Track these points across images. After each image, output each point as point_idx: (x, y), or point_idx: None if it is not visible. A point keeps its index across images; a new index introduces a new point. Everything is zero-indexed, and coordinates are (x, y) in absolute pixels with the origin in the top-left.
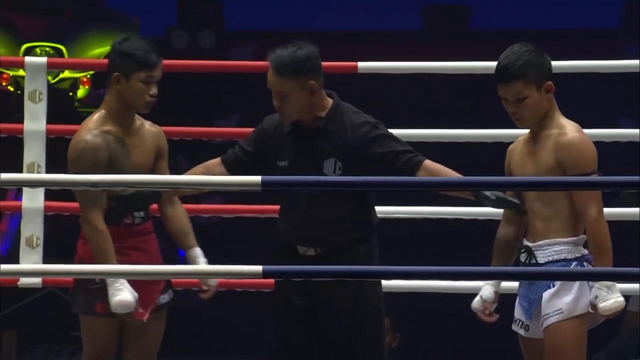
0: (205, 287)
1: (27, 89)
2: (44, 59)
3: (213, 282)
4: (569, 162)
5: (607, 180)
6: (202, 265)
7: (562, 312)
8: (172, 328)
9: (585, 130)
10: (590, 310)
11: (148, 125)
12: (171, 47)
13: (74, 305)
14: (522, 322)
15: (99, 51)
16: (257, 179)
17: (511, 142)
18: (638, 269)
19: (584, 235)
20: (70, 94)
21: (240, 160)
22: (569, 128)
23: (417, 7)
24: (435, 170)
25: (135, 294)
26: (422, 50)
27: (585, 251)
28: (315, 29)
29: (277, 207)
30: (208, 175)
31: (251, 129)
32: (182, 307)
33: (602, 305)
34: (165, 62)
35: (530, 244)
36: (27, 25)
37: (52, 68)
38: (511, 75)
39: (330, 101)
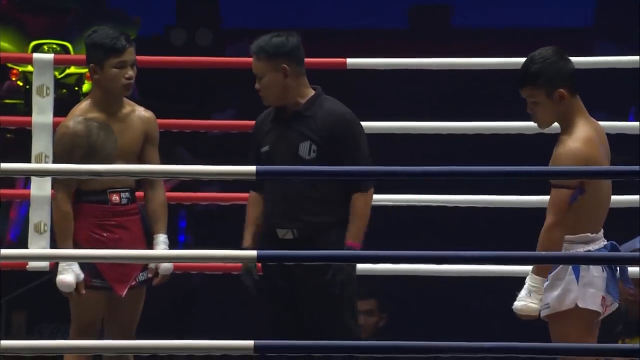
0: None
1: (35, 83)
2: (50, 56)
3: (166, 269)
4: None
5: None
6: (205, 251)
7: (549, 307)
8: (173, 308)
9: None
10: (580, 306)
11: (141, 110)
12: (170, 44)
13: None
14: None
15: None
16: (252, 168)
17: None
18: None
19: (583, 234)
20: (76, 88)
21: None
22: (573, 138)
23: (403, 6)
24: (358, 209)
25: (81, 276)
26: (409, 48)
27: (581, 249)
28: (307, 27)
29: None
30: (253, 203)
31: (246, 122)
32: (181, 289)
33: (514, 304)
34: (165, 58)
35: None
36: (35, 24)
37: (59, 64)
38: (521, 80)
39: (312, 91)
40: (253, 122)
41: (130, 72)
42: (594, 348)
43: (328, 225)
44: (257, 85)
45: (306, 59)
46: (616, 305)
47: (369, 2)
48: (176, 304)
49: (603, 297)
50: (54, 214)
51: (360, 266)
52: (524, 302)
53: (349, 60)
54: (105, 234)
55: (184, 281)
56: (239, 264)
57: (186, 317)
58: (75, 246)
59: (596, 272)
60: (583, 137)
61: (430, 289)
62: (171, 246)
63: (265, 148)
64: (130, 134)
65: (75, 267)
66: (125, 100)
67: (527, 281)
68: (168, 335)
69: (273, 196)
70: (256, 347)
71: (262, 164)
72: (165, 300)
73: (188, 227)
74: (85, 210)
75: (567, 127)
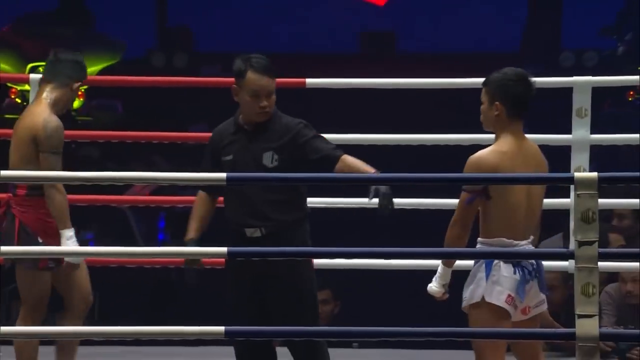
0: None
1: (31, 100)
2: None
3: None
4: None
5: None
6: (180, 248)
7: (465, 299)
8: (153, 299)
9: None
10: (486, 299)
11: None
12: (151, 66)
13: (20, 263)
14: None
15: (91, 69)
16: (223, 175)
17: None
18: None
19: (497, 239)
20: None
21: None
22: (487, 149)
23: (354, 32)
24: (352, 163)
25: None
26: (359, 69)
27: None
28: (270, 51)
29: None
30: (201, 202)
31: None
32: (161, 282)
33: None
34: (147, 78)
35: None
36: (31, 48)
37: None
38: (484, 81)
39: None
40: None
41: (265, 102)
42: (505, 333)
43: (289, 223)
44: (265, 102)
45: None
46: (542, 308)
47: (325, 30)
48: (155, 295)
49: (511, 297)
50: (57, 196)
51: (317, 261)
52: (430, 285)
53: (308, 80)
54: (52, 220)
55: (163, 274)
56: (213, 259)
57: (165, 306)
58: (35, 234)
59: (506, 273)
60: (496, 149)
61: (378, 278)
62: (151, 244)
63: (229, 157)
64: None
65: (76, 243)
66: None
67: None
68: (150, 323)
69: (238, 199)
70: (226, 332)
71: (224, 171)
72: (146, 292)
73: (167, 227)
74: (38, 203)
75: (495, 140)
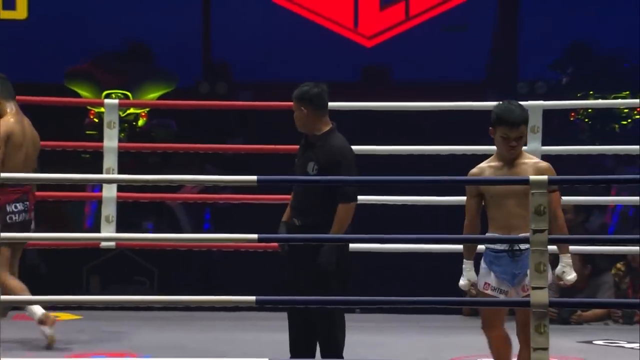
0: None
1: (106, 120)
2: (116, 101)
3: None
4: None
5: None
6: (219, 234)
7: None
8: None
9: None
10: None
11: None
12: (198, 93)
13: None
14: (502, 289)
15: (151, 96)
16: (254, 178)
17: None
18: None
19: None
20: (134, 123)
21: None
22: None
23: (357, 66)
24: (337, 215)
25: None
26: (360, 95)
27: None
28: (291, 80)
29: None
30: None
31: (252, 146)
32: (204, 262)
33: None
34: (195, 102)
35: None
36: (106, 79)
37: (122, 107)
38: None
39: (329, 126)
40: (257, 147)
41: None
42: (468, 301)
43: (317, 219)
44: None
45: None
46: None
47: (334, 62)
48: (202, 271)
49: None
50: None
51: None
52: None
53: None
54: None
55: (206, 256)
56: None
57: (210, 280)
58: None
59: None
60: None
61: (375, 260)
62: (198, 232)
63: (296, 160)
64: None
65: None
66: None
67: None
68: (197, 294)
69: (293, 196)
70: (257, 301)
71: (295, 172)
72: (195, 269)
73: (211, 218)
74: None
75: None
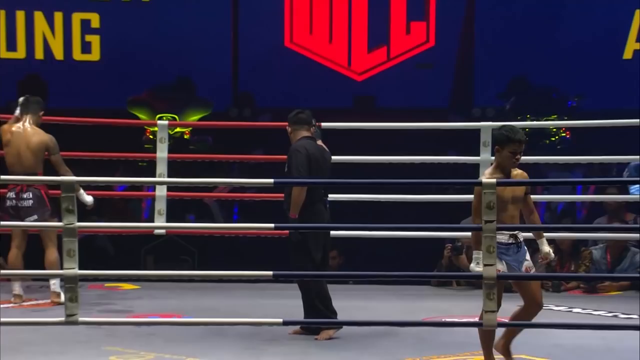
0: None
1: (158, 136)
2: (166, 122)
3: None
4: None
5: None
6: (241, 224)
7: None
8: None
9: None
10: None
11: None
12: (228, 116)
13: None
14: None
15: (193, 118)
16: (271, 180)
17: None
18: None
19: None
20: (180, 139)
21: None
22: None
23: (350, 95)
24: (293, 194)
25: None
26: (354, 118)
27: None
28: (302, 106)
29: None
30: None
31: (268, 156)
32: (233, 245)
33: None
34: (227, 123)
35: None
36: (158, 105)
37: (171, 126)
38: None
39: (302, 136)
40: (274, 157)
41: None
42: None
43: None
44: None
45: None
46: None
47: (332, 92)
48: (230, 254)
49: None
50: (65, 172)
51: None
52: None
53: (323, 124)
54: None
55: (234, 240)
56: (265, 231)
57: (236, 260)
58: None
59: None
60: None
61: (366, 243)
62: (228, 222)
63: None
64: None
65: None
66: None
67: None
68: (226, 269)
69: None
70: (274, 275)
71: None
72: (224, 251)
73: (238, 212)
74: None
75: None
